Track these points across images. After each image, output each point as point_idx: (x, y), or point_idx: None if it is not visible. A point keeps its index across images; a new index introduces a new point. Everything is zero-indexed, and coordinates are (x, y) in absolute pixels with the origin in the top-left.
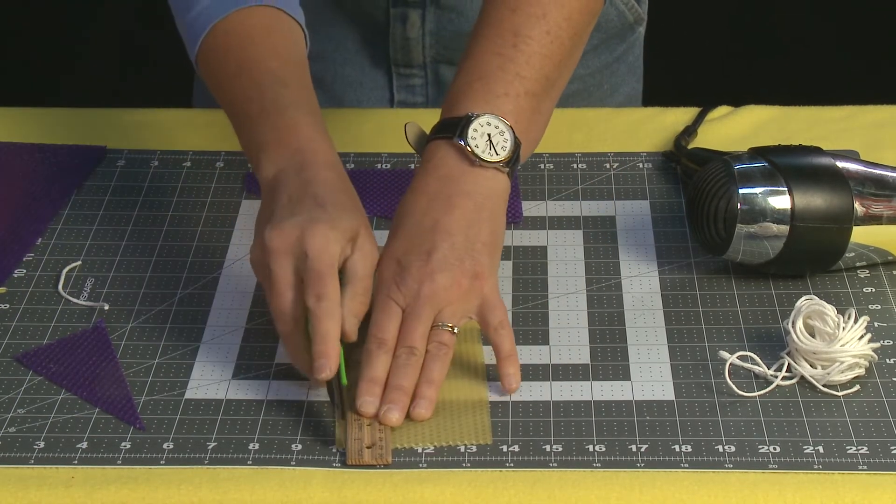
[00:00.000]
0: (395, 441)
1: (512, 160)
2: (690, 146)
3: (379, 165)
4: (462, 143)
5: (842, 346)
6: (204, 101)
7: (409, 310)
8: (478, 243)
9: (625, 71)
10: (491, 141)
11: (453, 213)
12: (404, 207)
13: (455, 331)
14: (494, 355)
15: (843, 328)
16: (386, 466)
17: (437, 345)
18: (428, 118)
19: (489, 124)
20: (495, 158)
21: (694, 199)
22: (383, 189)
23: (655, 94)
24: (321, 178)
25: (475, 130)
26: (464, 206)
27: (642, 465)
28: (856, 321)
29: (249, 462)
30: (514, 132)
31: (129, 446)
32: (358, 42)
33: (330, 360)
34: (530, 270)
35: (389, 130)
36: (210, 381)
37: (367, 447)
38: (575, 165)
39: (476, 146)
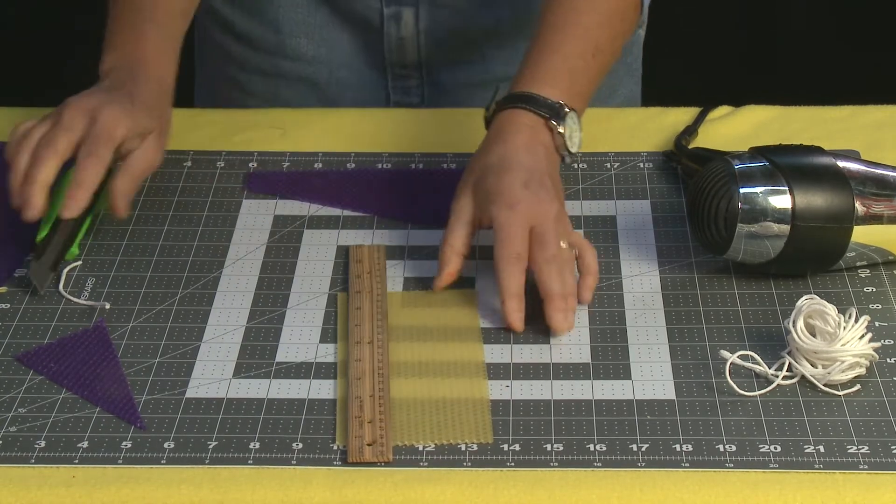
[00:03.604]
0: (396, 439)
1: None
2: (691, 146)
3: (379, 165)
4: (560, 130)
5: (842, 345)
6: (205, 100)
7: (539, 228)
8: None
9: (623, 73)
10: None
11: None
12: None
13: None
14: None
15: (844, 328)
16: (387, 464)
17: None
18: (425, 118)
19: (574, 122)
20: (572, 150)
21: (695, 199)
22: (383, 189)
23: (655, 96)
24: (143, 81)
25: (569, 126)
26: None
27: (643, 464)
28: (856, 321)
29: (250, 461)
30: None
31: (129, 445)
32: (352, 44)
33: (73, 203)
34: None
35: (389, 130)
36: (211, 380)
37: (368, 444)
38: (576, 165)
39: (568, 137)
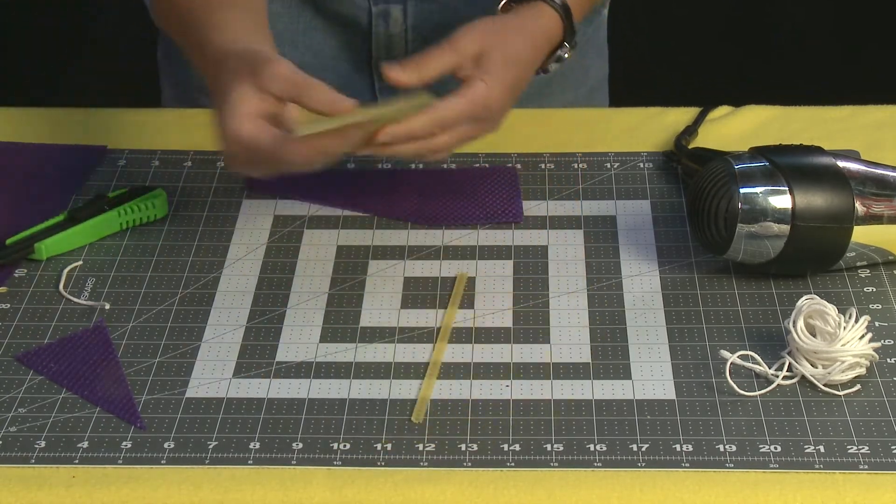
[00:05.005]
0: None
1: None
2: (691, 146)
3: (379, 165)
4: (565, 55)
5: (843, 345)
6: (172, 101)
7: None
8: None
9: (594, 54)
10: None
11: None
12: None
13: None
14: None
15: (844, 328)
16: (387, 464)
17: None
18: None
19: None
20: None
21: (695, 199)
22: (383, 189)
23: (655, 96)
24: (223, 55)
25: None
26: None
27: (643, 464)
28: (857, 321)
29: (250, 461)
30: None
31: (129, 446)
32: (338, 47)
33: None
34: (531, 270)
35: None
36: (211, 379)
37: None
38: (575, 165)
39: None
